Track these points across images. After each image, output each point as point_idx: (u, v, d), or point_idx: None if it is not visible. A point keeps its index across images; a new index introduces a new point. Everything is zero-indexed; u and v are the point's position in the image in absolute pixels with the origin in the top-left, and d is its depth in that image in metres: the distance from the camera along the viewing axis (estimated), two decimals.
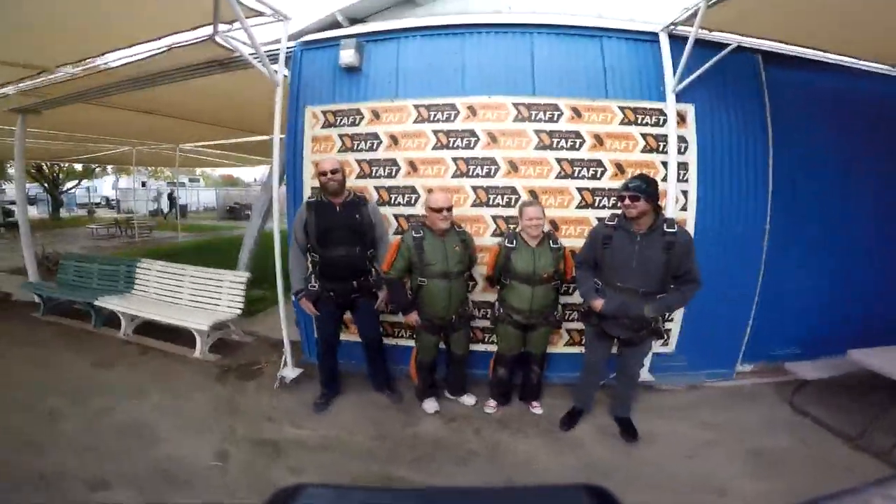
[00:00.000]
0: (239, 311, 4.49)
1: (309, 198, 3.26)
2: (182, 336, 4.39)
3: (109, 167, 20.51)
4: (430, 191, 3.48)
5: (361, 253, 3.15)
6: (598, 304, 2.77)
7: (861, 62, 3.65)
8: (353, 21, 3.89)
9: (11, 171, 13.57)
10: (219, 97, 5.24)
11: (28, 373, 3.83)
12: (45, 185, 18.79)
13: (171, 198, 20.98)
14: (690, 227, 3.51)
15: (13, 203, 13.10)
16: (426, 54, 3.67)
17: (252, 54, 3.34)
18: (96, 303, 4.77)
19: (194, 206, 24.53)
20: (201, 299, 4.69)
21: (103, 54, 3.81)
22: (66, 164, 18.21)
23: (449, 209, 2.97)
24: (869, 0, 2.63)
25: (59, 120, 6.31)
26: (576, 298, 3.41)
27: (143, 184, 21.98)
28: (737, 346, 3.87)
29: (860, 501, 0.57)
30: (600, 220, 2.97)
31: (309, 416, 3.25)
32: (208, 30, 3.27)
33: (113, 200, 24.26)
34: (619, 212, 2.75)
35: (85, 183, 23.11)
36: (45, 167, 17.88)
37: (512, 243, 3.02)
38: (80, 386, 3.60)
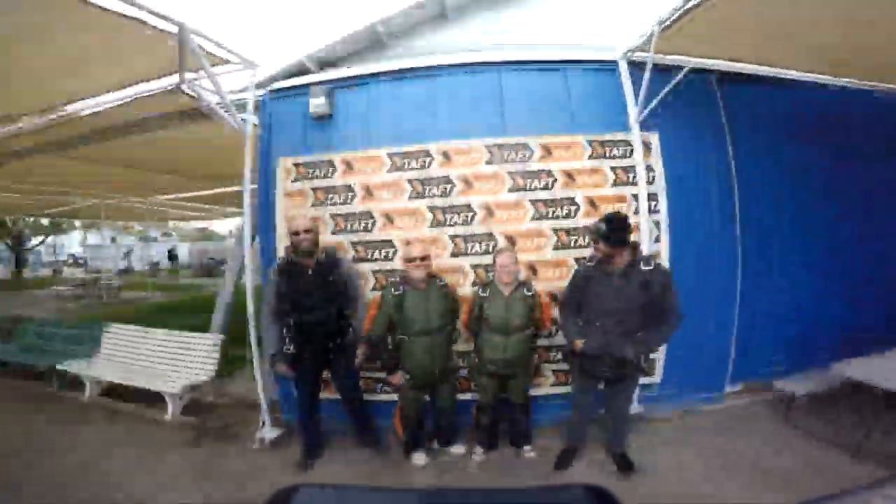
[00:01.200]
0: (212, 374, 4.31)
1: (280, 260, 3.15)
2: (152, 399, 4.18)
3: (77, 222, 19.86)
4: (407, 243, 3.42)
5: (337, 315, 3.08)
6: (579, 343, 2.77)
7: (803, 74, 3.68)
8: (323, 65, 3.90)
9: None
10: (189, 147, 5.15)
11: None
12: (8, 242, 17.99)
13: (171, 253, 20.48)
14: (665, 257, 3.53)
15: None
16: (398, 98, 3.69)
17: (219, 103, 3.29)
18: (60, 367, 4.61)
19: (165, 262, 23.81)
20: (171, 362, 4.52)
21: (68, 103, 3.71)
22: (32, 219, 17.52)
23: (423, 258, 2.93)
24: (799, 17, 2.69)
25: (22, 171, 6.08)
26: (560, 340, 3.35)
27: (113, 239, 21.37)
28: (723, 368, 3.87)
29: (860, 501, 0.60)
30: (581, 259, 2.99)
31: (294, 477, 3.08)
32: (175, 78, 3.18)
33: (80, 258, 23.41)
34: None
35: (50, 240, 22.30)
36: (7, 222, 17.09)
37: (485, 292, 2.99)
38: (46, 449, 3.44)
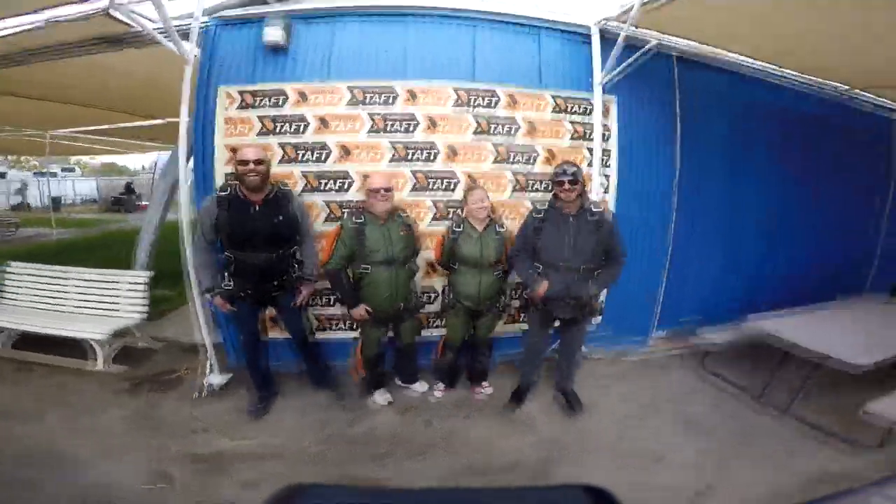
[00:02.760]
0: (142, 316, 3.93)
1: (220, 189, 2.84)
2: (74, 348, 3.74)
3: None
4: (366, 176, 3.31)
5: (283, 255, 2.87)
6: (544, 286, 2.86)
7: (759, 65, 4.06)
8: None
9: None
10: (106, 76, 4.50)
11: None
12: None
13: (129, 188, 18.22)
14: (612, 208, 3.73)
15: None
16: (366, 38, 3.48)
17: (159, 29, 2.91)
18: None
19: (69, 197, 21.29)
20: (93, 305, 4.04)
21: None
22: None
23: (388, 189, 2.87)
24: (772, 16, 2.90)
25: None
26: (514, 280, 3.48)
27: (3, 175, 18.58)
28: (651, 316, 4.29)
29: (860, 501, 0.61)
30: (531, 210, 3.08)
31: (247, 425, 2.97)
32: (102, 2, 2.80)
33: None
34: (547, 199, 2.93)
35: None
36: None
37: (459, 227, 3.00)
38: None
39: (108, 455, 2.61)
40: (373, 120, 3.44)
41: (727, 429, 2.98)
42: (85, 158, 25.11)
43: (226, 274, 2.84)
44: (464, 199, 3.10)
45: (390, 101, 3.46)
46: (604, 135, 3.74)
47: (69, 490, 2.31)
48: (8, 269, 4.40)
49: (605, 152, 3.78)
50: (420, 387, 3.39)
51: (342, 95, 3.41)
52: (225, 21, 3.46)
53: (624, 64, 3.48)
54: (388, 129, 3.46)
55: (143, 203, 18.34)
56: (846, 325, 3.44)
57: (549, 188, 3.60)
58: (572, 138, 3.73)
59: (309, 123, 3.40)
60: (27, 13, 2.99)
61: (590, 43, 3.68)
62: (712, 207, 4.40)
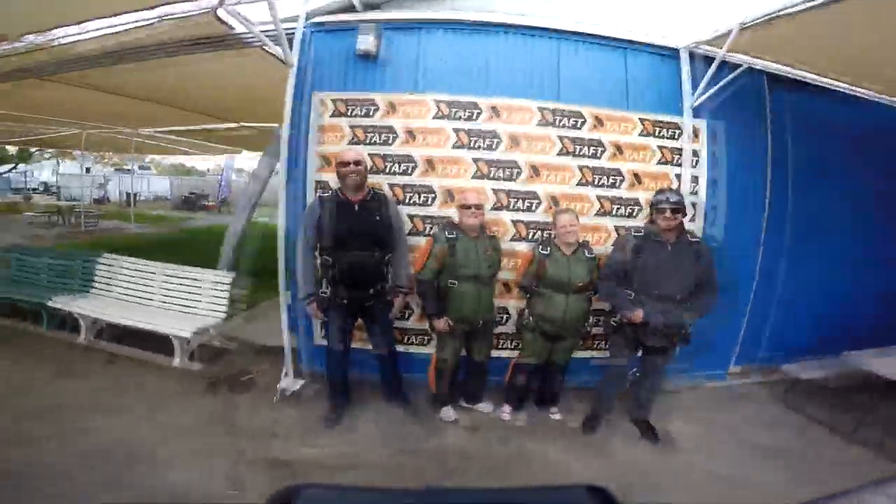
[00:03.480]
0: (223, 315, 4.07)
1: (322, 193, 2.99)
2: (154, 342, 3.89)
3: (48, 151, 18.72)
4: (449, 191, 3.37)
5: (379, 258, 2.91)
6: (639, 314, 2.77)
7: (856, 89, 3.74)
8: (368, 6, 3.63)
9: None
10: (198, 79, 4.78)
11: None
12: None
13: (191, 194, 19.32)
14: (698, 236, 3.55)
15: None
16: (450, 49, 3.51)
17: (268, 32, 3.02)
18: (50, 303, 4.18)
19: (144, 194, 22.93)
20: (177, 301, 4.23)
21: (79, 23, 3.31)
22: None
23: (479, 206, 2.90)
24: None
25: (3, 97, 5.57)
26: (598, 306, 3.36)
27: (88, 170, 20.26)
28: (731, 349, 4.07)
29: (860, 501, 0.59)
30: (626, 230, 3.06)
31: (320, 432, 2.97)
32: (211, 1, 2.90)
33: (53, 186, 22.17)
34: (641, 224, 2.90)
35: (21, 167, 21.03)
36: None
37: (546, 250, 2.93)
38: (45, 401, 3.10)
39: (186, 455, 2.64)
40: (457, 135, 3.44)
41: (811, 461, 2.85)
42: (158, 158, 27.04)
43: (323, 281, 2.90)
44: (553, 221, 3.05)
45: (473, 116, 3.46)
46: (692, 160, 3.60)
47: (147, 489, 2.33)
48: (100, 260, 4.70)
49: (694, 178, 3.64)
50: (485, 407, 3.32)
51: (429, 108, 3.44)
52: (319, 27, 3.57)
53: (716, 87, 3.38)
54: (471, 144, 3.45)
55: (210, 203, 19.44)
56: None
57: (633, 213, 3.56)
58: (659, 163, 3.61)
59: (397, 135, 3.45)
60: (137, 10, 3.10)
61: (678, 65, 3.60)
62: (804, 237, 4.12)
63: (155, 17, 3.18)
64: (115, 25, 3.32)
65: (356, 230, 2.80)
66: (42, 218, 12.01)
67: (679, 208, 2.69)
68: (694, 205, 3.65)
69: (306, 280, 2.92)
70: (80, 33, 3.50)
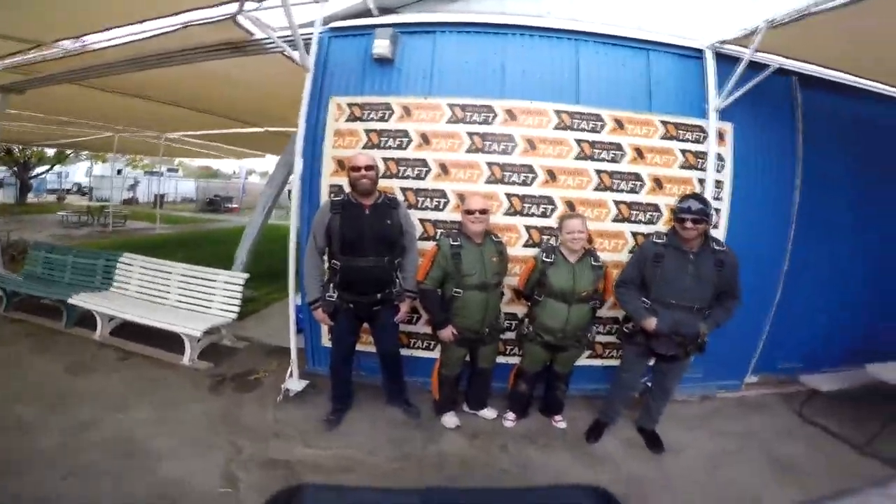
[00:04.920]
0: (234, 315, 4.11)
1: (334, 196, 2.95)
2: (166, 340, 3.95)
3: (83, 153, 19.53)
4: (460, 196, 3.28)
5: (389, 263, 2.86)
6: (653, 323, 2.66)
7: (889, 89, 3.63)
8: (384, 10, 3.62)
9: None
10: (216, 83, 4.89)
11: None
12: (15, 168, 17.72)
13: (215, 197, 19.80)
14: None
15: None
16: (465, 51, 3.45)
17: (285, 37, 3.04)
18: (71, 300, 4.27)
19: (171, 196, 23.64)
20: (191, 300, 4.29)
21: (108, 29, 3.40)
22: (38, 148, 17.18)
23: (483, 212, 2.81)
24: None
25: (42, 101, 5.80)
26: (606, 313, 3.32)
27: (119, 171, 20.99)
28: (748, 359, 3.91)
29: (860, 501, 0.59)
30: (646, 236, 2.95)
31: (320, 434, 2.94)
32: (231, 7, 2.95)
33: (85, 187, 23.08)
34: (663, 230, 2.76)
35: (56, 168, 21.96)
36: (15, 150, 16.75)
37: (550, 258, 2.83)
38: (54, 394, 3.17)
39: (183, 451, 2.66)
40: (471, 139, 3.38)
41: (825, 474, 2.80)
42: (186, 160, 27.88)
43: (331, 285, 2.87)
44: (559, 226, 2.94)
45: (489, 120, 3.39)
46: (717, 164, 3.45)
47: (137, 483, 2.37)
48: (121, 259, 4.81)
49: (718, 183, 3.49)
50: (489, 413, 3.25)
51: (443, 112, 3.39)
52: (336, 31, 3.58)
53: (743, 89, 3.24)
54: (485, 148, 3.39)
55: (234, 206, 19.90)
56: None
57: (652, 219, 3.46)
58: (682, 167, 3.48)
59: (411, 139, 3.41)
60: (161, 16, 3.19)
61: (703, 65, 3.47)
62: (831, 246, 3.96)
63: (179, 24, 3.28)
64: (140, 32, 3.43)
65: (366, 234, 2.76)
66: (73, 217, 12.44)
67: (700, 219, 2.54)
68: (718, 210, 3.51)
69: (313, 284, 2.89)
70: (109, 39, 3.63)
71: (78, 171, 26.67)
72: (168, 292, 4.41)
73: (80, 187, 25.49)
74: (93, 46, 3.80)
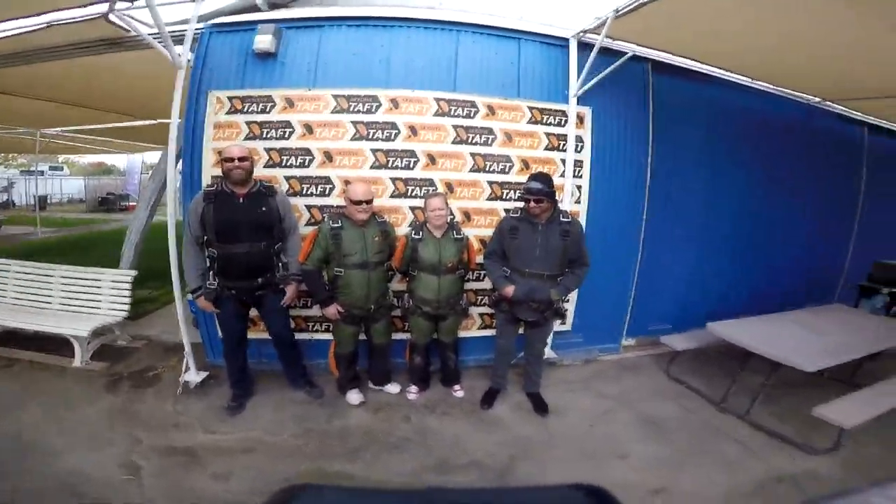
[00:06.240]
0: (124, 314, 4.01)
1: (207, 186, 2.98)
2: (57, 345, 3.81)
3: None
4: (346, 182, 3.43)
5: (267, 248, 2.94)
6: (510, 290, 3.00)
7: (733, 75, 4.19)
8: (273, 6, 3.66)
9: None
10: (102, 78, 4.62)
11: None
12: None
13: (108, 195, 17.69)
14: (583, 218, 3.90)
15: None
16: (351, 45, 3.58)
17: (154, 35, 3.02)
18: None
19: (56, 196, 21.12)
20: (77, 303, 4.10)
21: None
22: None
23: (369, 202, 2.98)
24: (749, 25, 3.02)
25: None
26: (486, 285, 3.63)
27: None
28: (621, 323, 4.42)
29: (860, 501, 0.60)
30: (507, 211, 3.23)
31: (222, 421, 3.03)
32: (101, 7, 2.92)
33: None
34: (521, 205, 3.04)
35: None
36: None
37: (418, 234, 3.11)
38: None
39: (80, 446, 2.67)
40: (356, 127, 3.54)
41: (689, 430, 3.13)
42: (73, 157, 24.98)
43: (210, 273, 2.91)
44: (423, 206, 3.21)
45: (373, 109, 3.57)
46: (577, 145, 3.87)
47: (36, 477, 2.39)
48: None
49: (578, 163, 3.90)
50: (393, 388, 3.47)
51: (327, 103, 3.52)
52: (218, 27, 3.57)
53: (599, 75, 3.62)
54: (370, 136, 3.56)
55: (131, 203, 18.27)
56: (802, 332, 3.55)
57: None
58: (546, 149, 3.85)
59: (294, 129, 3.51)
60: (28, 16, 3.08)
61: (568, 53, 3.80)
62: (683, 216, 4.54)
63: (43, 23, 3.16)
64: (10, 30, 3.27)
65: (240, 222, 2.84)
66: None
67: (541, 198, 2.86)
68: (579, 187, 3.94)
69: (193, 274, 2.93)
70: None
71: None
72: (51, 296, 4.17)
73: None
74: None
